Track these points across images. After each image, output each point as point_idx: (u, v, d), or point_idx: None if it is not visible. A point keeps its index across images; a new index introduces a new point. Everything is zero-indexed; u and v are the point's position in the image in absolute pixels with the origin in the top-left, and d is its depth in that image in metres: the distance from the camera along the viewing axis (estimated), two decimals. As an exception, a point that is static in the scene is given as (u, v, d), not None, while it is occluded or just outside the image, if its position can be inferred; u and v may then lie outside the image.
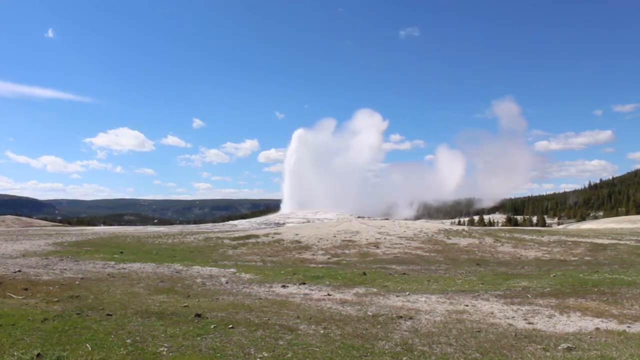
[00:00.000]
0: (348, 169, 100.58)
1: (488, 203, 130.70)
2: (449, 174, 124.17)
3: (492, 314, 8.16)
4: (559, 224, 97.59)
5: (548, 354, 5.65)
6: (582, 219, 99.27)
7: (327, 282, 11.95)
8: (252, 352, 5.49)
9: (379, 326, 7.04)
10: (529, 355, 5.57)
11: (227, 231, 34.47)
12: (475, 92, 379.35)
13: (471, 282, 11.98)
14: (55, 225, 60.65)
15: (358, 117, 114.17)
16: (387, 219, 41.51)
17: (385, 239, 23.90)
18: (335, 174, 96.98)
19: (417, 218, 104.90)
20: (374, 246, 21.95)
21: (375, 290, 10.80)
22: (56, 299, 8.88)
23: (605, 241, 24.17)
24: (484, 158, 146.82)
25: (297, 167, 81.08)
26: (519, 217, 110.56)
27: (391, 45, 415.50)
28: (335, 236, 24.74)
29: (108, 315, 7.39)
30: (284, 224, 45.53)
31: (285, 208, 73.05)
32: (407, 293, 10.29)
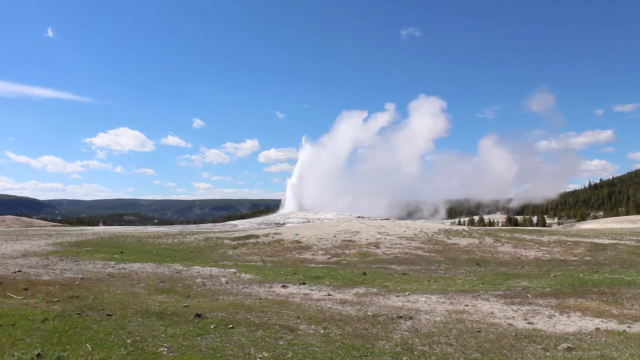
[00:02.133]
0: (378, 169, 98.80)
1: (519, 202, 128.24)
2: (500, 171, 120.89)
3: (492, 314, 8.15)
4: (559, 224, 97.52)
5: (548, 354, 5.65)
6: (582, 219, 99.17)
7: (327, 282, 11.94)
8: (252, 352, 5.49)
9: (379, 326, 7.04)
10: (529, 355, 5.57)
11: (227, 231, 34.46)
12: (475, 91, 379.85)
13: (471, 282, 11.98)
14: (55, 225, 60.64)
15: (417, 106, 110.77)
16: (387, 219, 41.47)
17: (385, 239, 23.90)
18: (357, 176, 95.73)
19: (449, 218, 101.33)
20: (374, 246, 21.95)
21: (375, 290, 10.79)
22: (56, 299, 8.88)
23: (605, 241, 24.16)
24: (522, 158, 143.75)
25: (305, 177, 79.49)
26: (519, 217, 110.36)
27: (392, 45, 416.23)
28: (335, 236, 24.74)
29: (108, 315, 7.39)
30: (284, 224, 45.51)
31: (290, 209, 72.15)
32: (407, 293, 10.29)
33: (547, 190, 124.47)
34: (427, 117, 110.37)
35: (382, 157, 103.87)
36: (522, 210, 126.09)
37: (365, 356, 5.48)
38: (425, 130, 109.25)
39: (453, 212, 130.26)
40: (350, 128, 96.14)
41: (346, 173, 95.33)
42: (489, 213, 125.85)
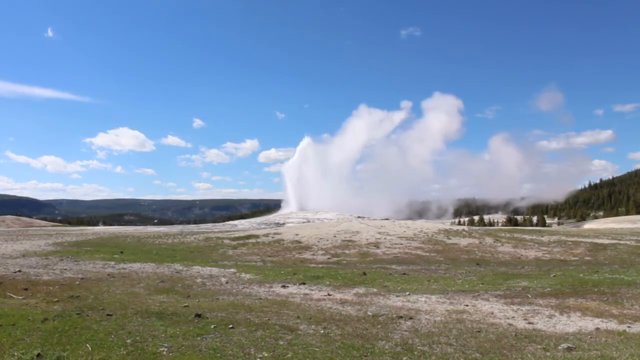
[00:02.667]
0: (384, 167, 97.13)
1: (530, 202, 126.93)
2: (510, 170, 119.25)
3: (492, 314, 8.15)
4: (559, 224, 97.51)
5: (548, 354, 5.65)
6: (582, 219, 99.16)
7: (327, 282, 11.94)
8: (252, 352, 5.49)
9: (379, 326, 7.04)
10: (529, 355, 5.57)
11: (227, 231, 34.46)
12: (475, 91, 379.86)
13: (471, 282, 11.98)
14: (55, 225, 60.65)
15: (431, 104, 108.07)
16: (387, 219, 41.45)
17: (385, 239, 23.90)
18: (361, 176, 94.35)
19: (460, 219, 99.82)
20: (374, 246, 21.95)
21: (375, 290, 10.79)
22: (56, 299, 8.88)
23: (605, 241, 24.16)
24: (530, 158, 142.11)
25: (302, 174, 78.00)
26: (519, 217, 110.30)
27: (392, 45, 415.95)
28: (335, 236, 24.74)
29: (108, 315, 7.39)
30: (284, 224, 45.51)
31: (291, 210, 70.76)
32: (407, 293, 10.29)
33: (558, 190, 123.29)
34: (440, 116, 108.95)
35: (391, 156, 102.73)
36: (533, 210, 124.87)
37: (365, 356, 5.48)
38: (437, 129, 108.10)
39: (463, 212, 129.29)
40: (364, 126, 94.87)
41: (353, 172, 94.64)
42: (496, 213, 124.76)
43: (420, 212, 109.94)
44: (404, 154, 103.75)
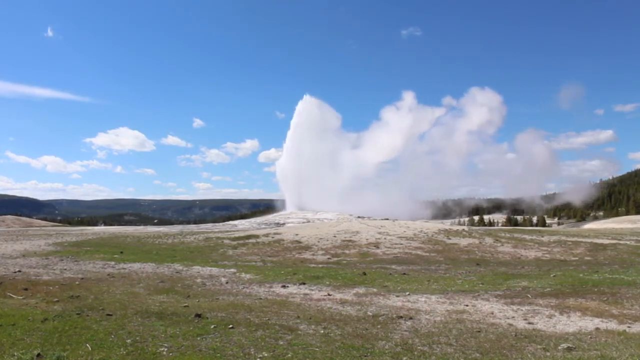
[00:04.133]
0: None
1: (557, 202, 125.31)
2: (537, 169, 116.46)
3: (492, 314, 8.16)
4: (559, 224, 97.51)
5: (548, 354, 5.65)
6: (582, 219, 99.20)
7: (327, 282, 11.95)
8: (252, 352, 5.49)
9: (379, 326, 7.04)
10: (529, 355, 5.57)
11: (227, 231, 34.47)
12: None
13: (471, 282, 11.98)
14: (55, 226, 60.68)
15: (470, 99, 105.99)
16: (387, 219, 41.43)
17: (385, 239, 23.90)
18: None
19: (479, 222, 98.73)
20: (374, 246, 21.95)
21: (375, 290, 10.79)
22: (56, 299, 8.88)
23: (605, 241, 24.17)
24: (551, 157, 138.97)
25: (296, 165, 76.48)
26: (519, 217, 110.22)
27: (393, 45, 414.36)
28: (335, 236, 24.75)
29: (108, 315, 7.39)
30: (284, 224, 45.52)
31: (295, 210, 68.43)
32: (407, 293, 10.29)
33: (584, 190, 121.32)
34: (480, 112, 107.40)
35: (415, 154, 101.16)
36: (564, 210, 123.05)
37: (365, 356, 5.48)
38: (466, 128, 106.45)
39: (484, 211, 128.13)
40: (407, 119, 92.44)
41: (374, 173, 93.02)
42: (523, 212, 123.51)
43: (442, 212, 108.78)
44: (430, 153, 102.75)
